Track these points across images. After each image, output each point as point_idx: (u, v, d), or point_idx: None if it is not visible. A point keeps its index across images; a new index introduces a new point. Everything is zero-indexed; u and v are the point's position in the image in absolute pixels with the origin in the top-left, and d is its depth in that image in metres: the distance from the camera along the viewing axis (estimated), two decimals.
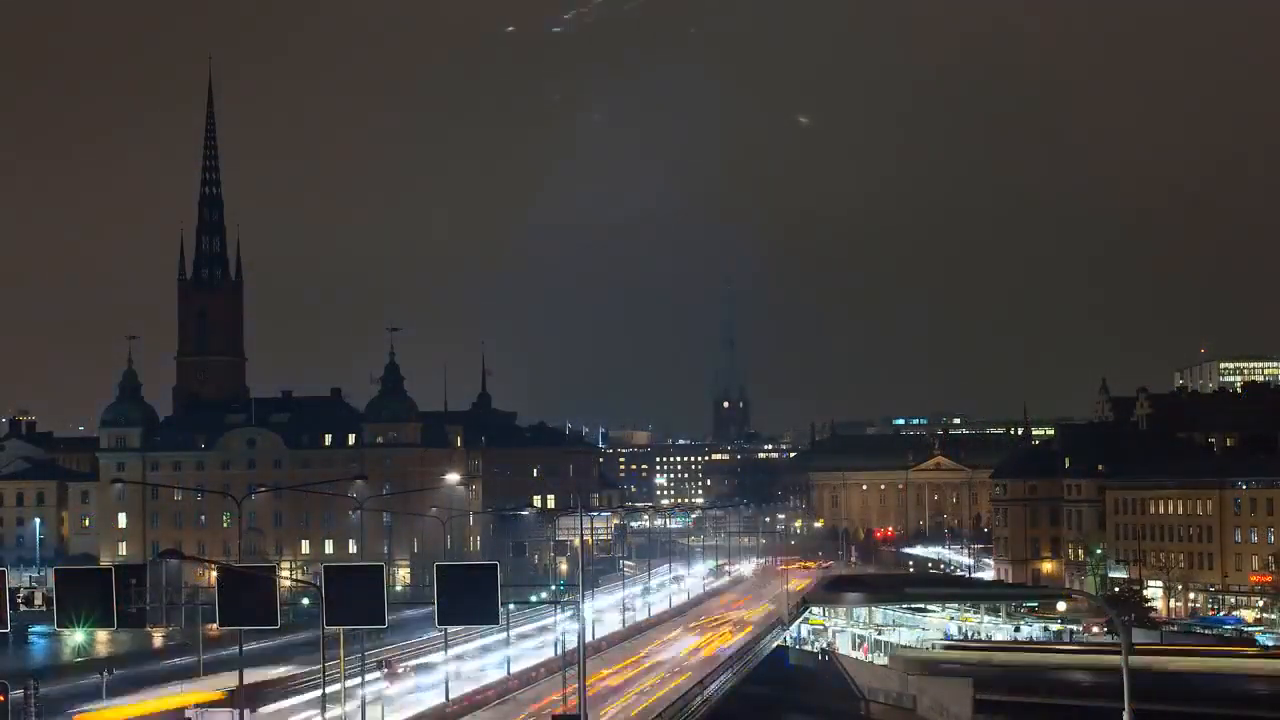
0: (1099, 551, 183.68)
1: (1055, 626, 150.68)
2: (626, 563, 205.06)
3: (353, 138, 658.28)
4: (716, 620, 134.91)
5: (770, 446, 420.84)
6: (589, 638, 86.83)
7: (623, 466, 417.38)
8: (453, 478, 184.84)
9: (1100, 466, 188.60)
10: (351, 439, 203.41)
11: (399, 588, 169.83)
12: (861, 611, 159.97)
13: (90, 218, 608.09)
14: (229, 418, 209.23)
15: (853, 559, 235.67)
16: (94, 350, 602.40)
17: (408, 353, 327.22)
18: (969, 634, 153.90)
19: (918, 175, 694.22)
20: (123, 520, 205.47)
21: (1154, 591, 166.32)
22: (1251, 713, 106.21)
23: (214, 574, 56.76)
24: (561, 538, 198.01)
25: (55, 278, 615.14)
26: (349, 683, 66.10)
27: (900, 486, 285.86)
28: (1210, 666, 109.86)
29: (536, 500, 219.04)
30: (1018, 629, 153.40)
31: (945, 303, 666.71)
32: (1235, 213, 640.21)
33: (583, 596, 77.27)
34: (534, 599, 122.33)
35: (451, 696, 75.85)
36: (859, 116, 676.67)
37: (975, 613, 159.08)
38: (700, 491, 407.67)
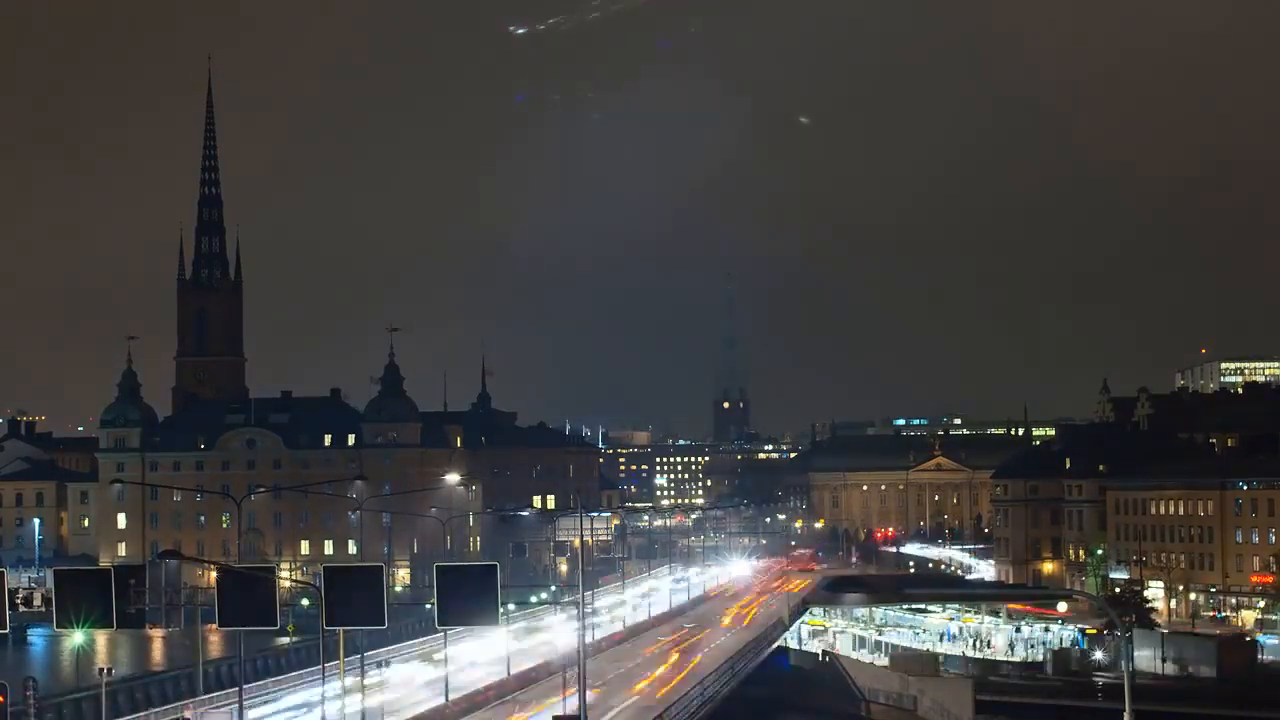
0: (1100, 552, 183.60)
1: (1055, 627, 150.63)
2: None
3: (352, 137, 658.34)
4: None
5: (770, 447, 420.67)
6: None
7: (623, 466, 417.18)
8: (453, 478, 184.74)
9: (1101, 467, 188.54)
10: (351, 439, 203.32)
11: (399, 588, 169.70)
12: (861, 612, 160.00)
13: (90, 218, 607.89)
14: (228, 418, 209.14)
15: (853, 559, 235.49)
16: (94, 350, 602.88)
17: (408, 353, 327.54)
18: (969, 635, 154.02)
19: (918, 176, 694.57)
20: (122, 521, 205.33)
21: (1155, 592, 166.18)
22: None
23: (213, 574, 56.59)
24: (561, 538, 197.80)
25: (55, 278, 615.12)
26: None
27: (901, 487, 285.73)
28: None
29: (536, 500, 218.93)
30: (1018, 630, 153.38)
31: (946, 303, 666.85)
32: (1236, 213, 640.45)
33: (583, 597, 77.03)
34: (534, 599, 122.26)
35: (452, 697, 75.65)
36: (859, 116, 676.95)
37: (975, 613, 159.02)
38: (700, 492, 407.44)
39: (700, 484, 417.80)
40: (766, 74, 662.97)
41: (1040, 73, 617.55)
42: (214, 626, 56.27)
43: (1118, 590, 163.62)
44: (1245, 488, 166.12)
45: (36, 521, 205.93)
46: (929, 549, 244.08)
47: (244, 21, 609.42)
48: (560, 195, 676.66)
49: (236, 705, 63.60)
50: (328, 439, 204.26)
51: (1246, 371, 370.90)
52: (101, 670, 66.62)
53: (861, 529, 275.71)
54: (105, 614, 52.34)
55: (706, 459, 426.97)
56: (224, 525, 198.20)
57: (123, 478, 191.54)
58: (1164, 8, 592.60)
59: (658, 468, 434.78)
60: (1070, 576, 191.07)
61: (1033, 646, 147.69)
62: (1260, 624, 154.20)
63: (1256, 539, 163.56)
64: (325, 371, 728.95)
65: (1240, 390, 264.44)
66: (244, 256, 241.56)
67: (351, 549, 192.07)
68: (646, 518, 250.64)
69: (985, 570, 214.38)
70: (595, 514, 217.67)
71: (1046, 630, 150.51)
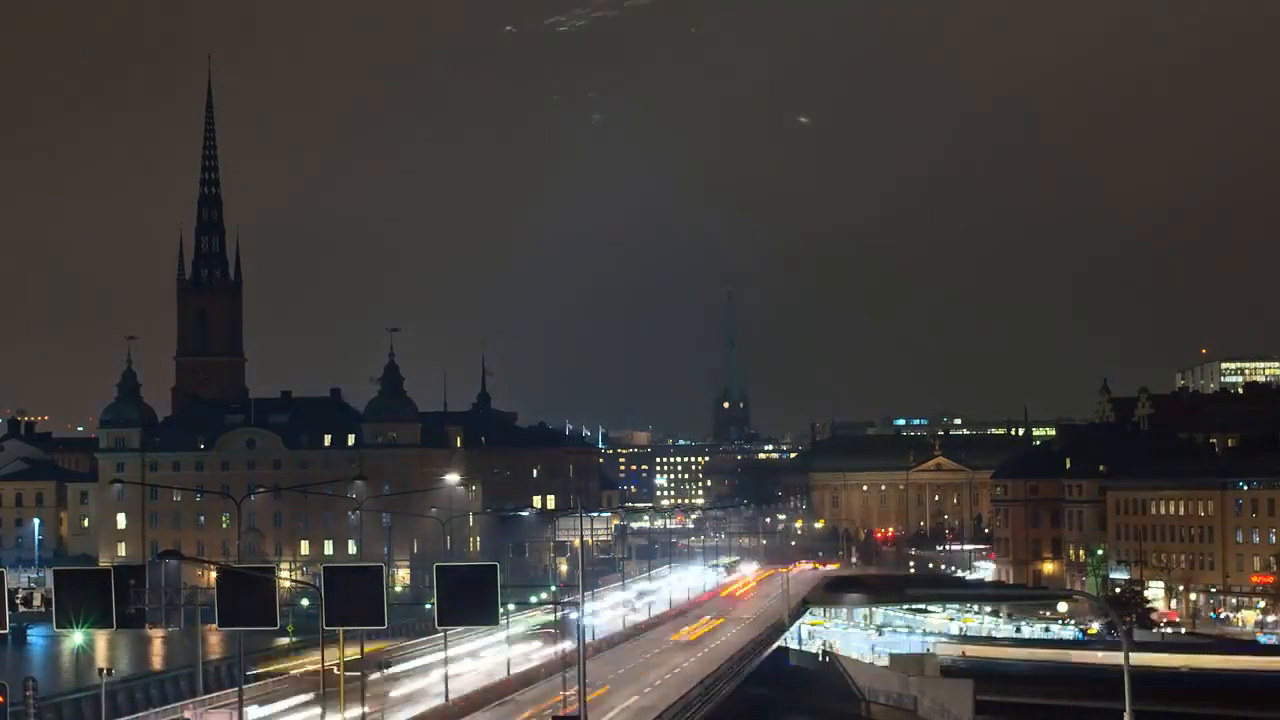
0: (1100, 552, 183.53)
1: (1056, 626, 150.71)
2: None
3: (352, 138, 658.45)
4: None
5: (770, 447, 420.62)
6: None
7: (623, 467, 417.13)
8: (452, 478, 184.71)
9: (1101, 467, 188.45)
10: (351, 439, 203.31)
11: (399, 589, 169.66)
12: (862, 612, 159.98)
13: (90, 218, 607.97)
14: (228, 418, 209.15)
15: (853, 559, 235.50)
16: (94, 350, 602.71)
17: (408, 353, 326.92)
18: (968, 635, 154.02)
19: (919, 175, 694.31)
20: (122, 521, 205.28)
21: (1155, 592, 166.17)
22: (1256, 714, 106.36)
23: (213, 575, 56.52)
24: (561, 538, 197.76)
25: (55, 278, 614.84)
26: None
27: (901, 487, 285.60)
28: None
29: (536, 501, 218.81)
30: (1018, 629, 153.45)
31: (946, 303, 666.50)
32: (1236, 213, 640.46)
33: (583, 597, 77.07)
34: (534, 599, 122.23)
35: (452, 698, 75.61)
36: (860, 117, 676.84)
37: (975, 613, 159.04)
38: (700, 492, 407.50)
39: (700, 484, 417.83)
40: (767, 74, 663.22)
41: (1038, 71, 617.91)
42: (214, 626, 56.18)
43: (1118, 590, 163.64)
44: (1245, 488, 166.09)
45: (36, 521, 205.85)
46: (929, 549, 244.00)
47: (244, 21, 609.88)
48: (560, 195, 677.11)
49: (236, 705, 63.55)
50: (328, 439, 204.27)
51: (1247, 371, 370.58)
52: (101, 670, 66.44)
53: (862, 529, 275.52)
54: (105, 614, 52.30)
55: (706, 459, 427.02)
56: (224, 525, 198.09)
57: (123, 478, 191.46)
58: (1163, 5, 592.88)
59: (658, 468, 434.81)
60: (1070, 577, 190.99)
61: None
62: (1260, 624, 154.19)
63: (1257, 539, 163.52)
64: (325, 371, 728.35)
65: (1240, 390, 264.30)
66: (244, 256, 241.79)
67: (351, 549, 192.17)
68: (646, 518, 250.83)
69: (985, 570, 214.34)
70: (595, 514, 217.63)
71: (1046, 630, 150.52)
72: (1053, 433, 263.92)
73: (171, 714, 70.48)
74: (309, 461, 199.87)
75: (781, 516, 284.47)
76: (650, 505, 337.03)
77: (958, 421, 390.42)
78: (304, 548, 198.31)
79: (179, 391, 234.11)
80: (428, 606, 72.56)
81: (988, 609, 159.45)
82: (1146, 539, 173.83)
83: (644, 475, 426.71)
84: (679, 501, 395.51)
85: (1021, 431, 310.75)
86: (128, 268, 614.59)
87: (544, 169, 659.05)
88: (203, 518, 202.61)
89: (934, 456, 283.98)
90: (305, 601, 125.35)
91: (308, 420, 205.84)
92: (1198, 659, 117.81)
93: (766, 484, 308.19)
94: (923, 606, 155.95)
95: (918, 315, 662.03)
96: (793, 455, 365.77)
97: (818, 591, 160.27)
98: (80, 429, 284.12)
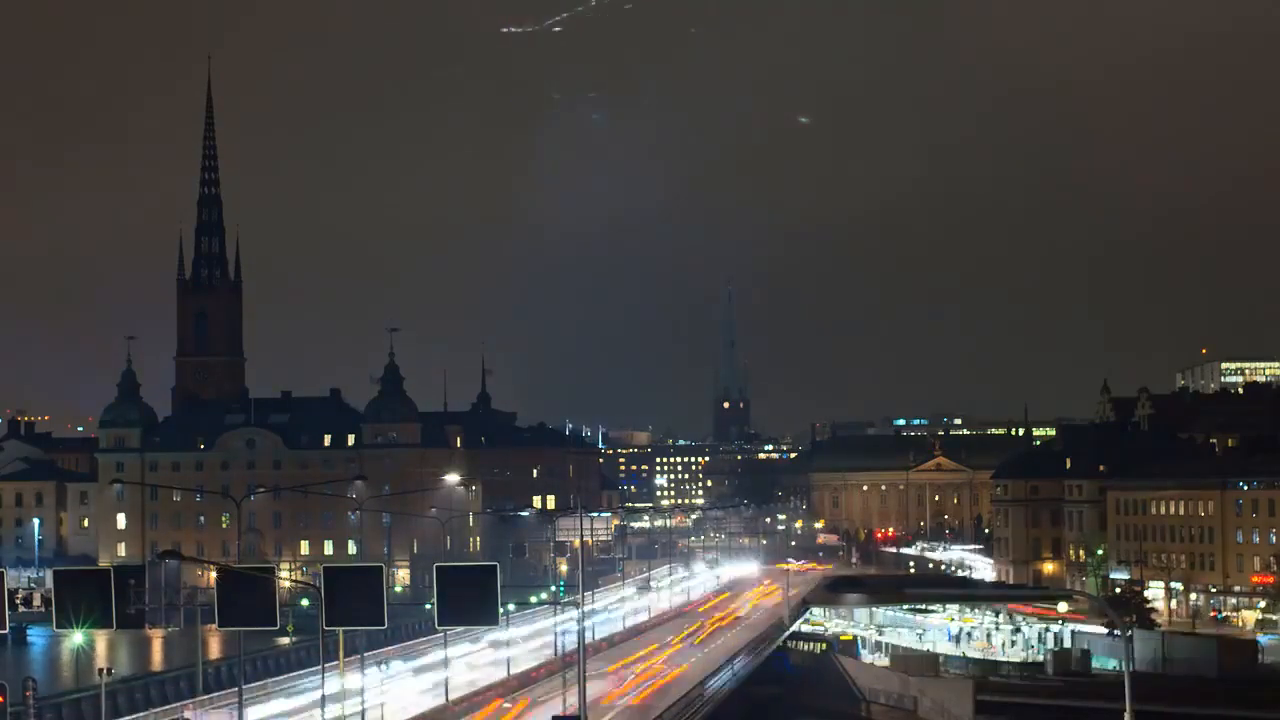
0: (1100, 552, 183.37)
1: (1056, 628, 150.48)
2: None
3: (352, 138, 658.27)
4: None
5: (770, 447, 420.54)
6: None
7: (623, 467, 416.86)
8: (452, 478, 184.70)
9: (1101, 467, 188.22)
10: (351, 439, 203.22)
11: (399, 589, 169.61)
12: (862, 612, 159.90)
13: (90, 218, 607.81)
14: (228, 418, 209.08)
15: (854, 560, 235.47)
16: (94, 350, 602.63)
17: (407, 353, 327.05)
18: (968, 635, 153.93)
19: (919, 176, 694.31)
20: (121, 521, 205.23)
21: (1155, 592, 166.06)
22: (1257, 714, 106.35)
23: (213, 575, 56.50)
24: (561, 538, 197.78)
25: (55, 278, 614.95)
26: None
27: (901, 487, 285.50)
28: None
29: (536, 501, 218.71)
30: (1017, 630, 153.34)
31: (946, 303, 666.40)
32: (1237, 213, 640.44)
33: (583, 597, 77.05)
34: (533, 600, 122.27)
35: (452, 697, 75.66)
36: (861, 117, 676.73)
37: (976, 614, 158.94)
38: (700, 492, 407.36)
39: (700, 484, 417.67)
40: (767, 74, 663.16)
41: (1041, 73, 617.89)
42: (214, 627, 56.12)
43: (1118, 590, 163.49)
44: (1246, 488, 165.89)
45: (36, 521, 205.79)
46: (929, 549, 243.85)
47: (244, 21, 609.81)
48: (560, 195, 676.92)
49: (236, 705, 63.52)
50: (328, 439, 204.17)
51: (1247, 371, 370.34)
52: (101, 670, 66.42)
53: (862, 529, 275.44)
54: (105, 614, 52.27)
55: (706, 459, 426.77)
56: (224, 525, 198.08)
57: (122, 478, 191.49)
58: (1162, 13, 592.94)
59: (658, 468, 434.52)
60: (1070, 577, 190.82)
61: (1032, 646, 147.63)
62: (1261, 624, 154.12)
63: (1257, 539, 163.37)
64: (325, 371, 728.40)
65: (1241, 390, 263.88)
66: (244, 256, 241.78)
67: (351, 549, 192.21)
68: (646, 518, 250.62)
69: (985, 570, 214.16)
70: (595, 514, 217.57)
71: (1046, 630, 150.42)
72: (1053, 433, 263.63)
73: (171, 714, 70.47)
74: (309, 461, 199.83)
75: (781, 516, 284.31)
76: (650, 505, 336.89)
77: (958, 421, 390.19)
78: (304, 548, 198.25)
79: (179, 391, 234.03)
80: (427, 607, 72.55)
81: (988, 609, 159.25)
82: (1146, 539, 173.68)
83: (644, 475, 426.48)
84: (679, 501, 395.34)
85: (1021, 431, 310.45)
86: (128, 268, 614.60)
87: (544, 168, 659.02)
88: (203, 518, 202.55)
89: (934, 456, 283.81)
90: (305, 601, 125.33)
91: (308, 420, 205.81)
92: None
93: (766, 484, 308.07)
94: (923, 606, 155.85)
95: (918, 315, 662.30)
96: (793, 455, 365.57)
97: (818, 592, 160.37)
98: (80, 429, 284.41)
